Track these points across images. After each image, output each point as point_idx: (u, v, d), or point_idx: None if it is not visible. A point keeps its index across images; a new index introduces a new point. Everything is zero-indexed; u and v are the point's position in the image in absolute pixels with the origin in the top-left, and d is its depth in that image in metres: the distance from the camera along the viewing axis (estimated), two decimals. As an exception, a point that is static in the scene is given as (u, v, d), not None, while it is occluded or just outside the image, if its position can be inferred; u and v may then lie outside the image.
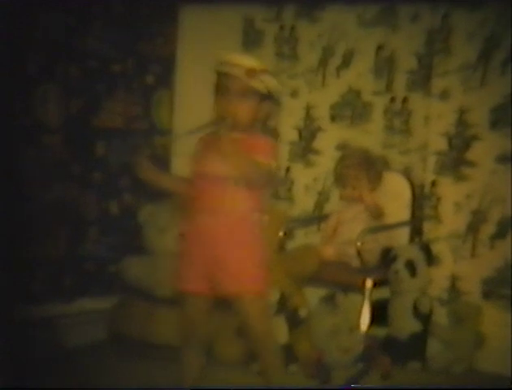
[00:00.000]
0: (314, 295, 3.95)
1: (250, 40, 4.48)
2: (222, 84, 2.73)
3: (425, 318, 3.75)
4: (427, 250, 3.83)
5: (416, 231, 3.94)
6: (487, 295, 3.80)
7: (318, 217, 4.29)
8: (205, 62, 4.29)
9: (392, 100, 4.17)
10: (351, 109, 4.28)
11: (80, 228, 4.12)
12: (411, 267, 3.72)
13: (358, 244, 3.60)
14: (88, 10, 4.07)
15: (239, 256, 2.75)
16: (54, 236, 3.99)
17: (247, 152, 2.68)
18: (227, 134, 2.66)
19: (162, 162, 4.30)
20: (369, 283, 3.55)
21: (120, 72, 4.25)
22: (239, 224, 2.76)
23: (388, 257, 3.75)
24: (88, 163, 4.15)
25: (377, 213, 3.76)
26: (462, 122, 3.92)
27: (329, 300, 3.96)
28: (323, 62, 4.36)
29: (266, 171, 2.71)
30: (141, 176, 2.81)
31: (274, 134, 3.29)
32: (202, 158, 2.80)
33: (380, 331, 3.73)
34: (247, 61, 2.73)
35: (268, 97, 2.76)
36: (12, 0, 3.41)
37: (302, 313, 3.62)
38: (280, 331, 3.56)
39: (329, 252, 3.81)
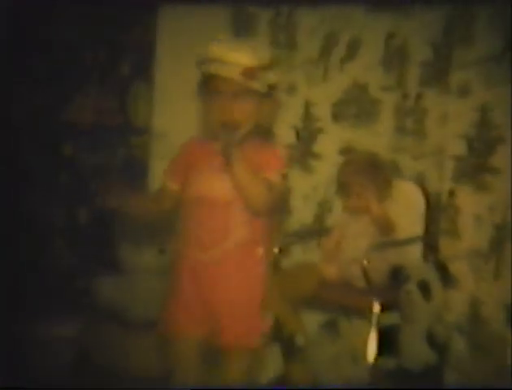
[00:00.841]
0: (313, 320, 3.94)
1: (241, 27, 4.43)
2: (212, 85, 2.60)
3: (441, 348, 3.74)
4: (443, 270, 3.82)
5: (431, 248, 3.90)
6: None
7: (318, 230, 4.26)
8: (188, 50, 4.37)
9: (404, 97, 4.13)
10: (356, 107, 4.25)
11: (43, 239, 4.20)
12: (425, 289, 3.71)
13: (364, 262, 3.57)
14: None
15: (242, 302, 2.67)
16: (13, 247, 3.99)
17: (255, 168, 2.56)
18: (235, 147, 2.53)
19: (140, 164, 4.32)
20: (376, 306, 3.52)
21: (91, 62, 4.32)
22: (242, 261, 2.66)
23: (398, 277, 3.70)
24: (55, 164, 4.24)
25: (386, 226, 3.70)
26: (484, 122, 3.91)
27: (330, 326, 3.95)
28: (325, 53, 4.32)
29: (276, 192, 2.60)
30: (110, 205, 2.76)
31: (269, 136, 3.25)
32: (196, 175, 2.68)
33: (389, 362, 3.66)
34: (242, 58, 2.58)
35: (268, 95, 2.64)
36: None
37: (299, 340, 3.61)
38: (275, 361, 3.62)
39: (331, 271, 3.78)
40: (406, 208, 3.85)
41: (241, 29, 4.43)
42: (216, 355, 2.76)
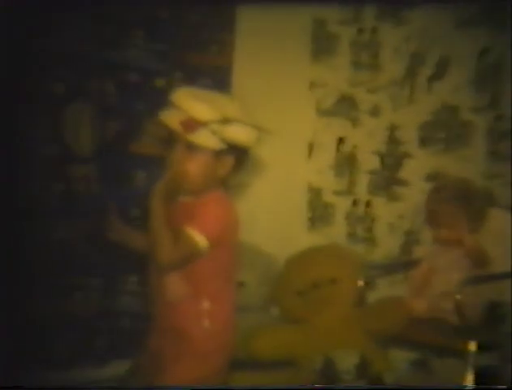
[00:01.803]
0: (401, 358, 3.93)
1: (322, 46, 4.45)
2: (168, 133, 2.54)
3: (546, 392, 3.63)
4: (547, 307, 3.72)
5: (531, 284, 3.80)
6: None
7: (405, 262, 4.22)
8: (266, 74, 4.34)
9: (498, 118, 4.12)
10: (446, 130, 4.24)
11: (115, 277, 4.10)
12: (526, 329, 3.63)
13: (457, 297, 3.51)
14: (126, 16, 4.07)
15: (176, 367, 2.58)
16: (84, 287, 3.99)
17: (185, 221, 2.50)
18: (158, 199, 2.53)
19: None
20: (472, 346, 3.43)
21: (165, 88, 4.22)
22: (183, 314, 2.60)
23: (495, 314, 3.65)
24: (127, 198, 4.11)
25: (480, 259, 3.65)
26: None
27: (421, 365, 3.94)
28: (411, 73, 4.33)
29: (191, 249, 2.51)
30: (111, 237, 2.75)
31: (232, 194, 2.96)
32: None
33: (488, 406, 3.59)
34: (191, 106, 2.46)
35: (231, 151, 2.52)
36: (29, 6, 3.39)
37: (387, 379, 3.60)
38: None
39: (420, 306, 3.74)
40: (502, 239, 3.75)
41: (321, 50, 4.45)
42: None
